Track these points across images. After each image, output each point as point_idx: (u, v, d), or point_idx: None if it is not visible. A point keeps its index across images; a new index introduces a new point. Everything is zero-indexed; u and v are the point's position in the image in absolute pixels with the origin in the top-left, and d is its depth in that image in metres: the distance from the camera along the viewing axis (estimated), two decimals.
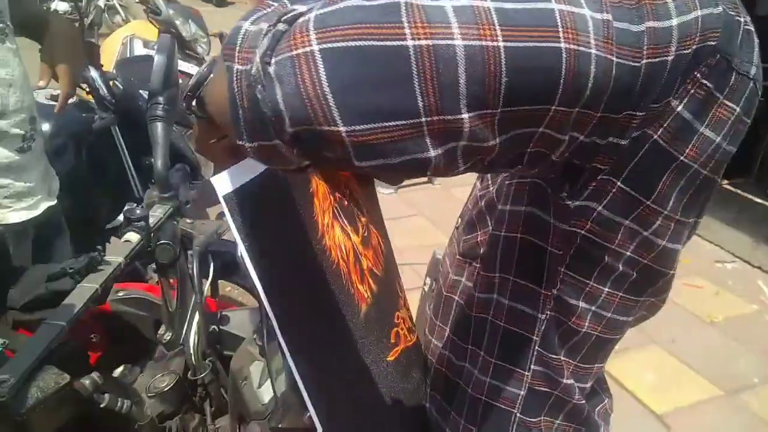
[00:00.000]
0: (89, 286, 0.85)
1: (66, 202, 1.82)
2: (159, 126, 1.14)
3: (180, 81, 3.75)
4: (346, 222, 0.77)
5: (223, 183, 0.52)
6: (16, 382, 0.66)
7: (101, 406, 0.76)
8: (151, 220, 1.02)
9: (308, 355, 0.65)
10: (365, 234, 0.81)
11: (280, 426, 0.79)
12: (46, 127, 2.04)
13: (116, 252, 0.95)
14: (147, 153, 2.16)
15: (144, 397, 0.90)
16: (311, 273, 0.69)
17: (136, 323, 1.13)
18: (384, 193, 4.04)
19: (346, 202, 0.80)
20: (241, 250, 0.53)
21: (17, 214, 1.38)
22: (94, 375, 0.74)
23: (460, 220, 0.83)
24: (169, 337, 1.02)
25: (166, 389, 0.89)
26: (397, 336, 0.84)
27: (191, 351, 1.00)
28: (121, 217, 1.09)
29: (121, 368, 0.99)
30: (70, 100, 2.09)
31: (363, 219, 0.82)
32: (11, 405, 0.64)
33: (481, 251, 0.69)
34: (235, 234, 0.53)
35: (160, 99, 1.14)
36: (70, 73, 1.49)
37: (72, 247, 1.77)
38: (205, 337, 1.01)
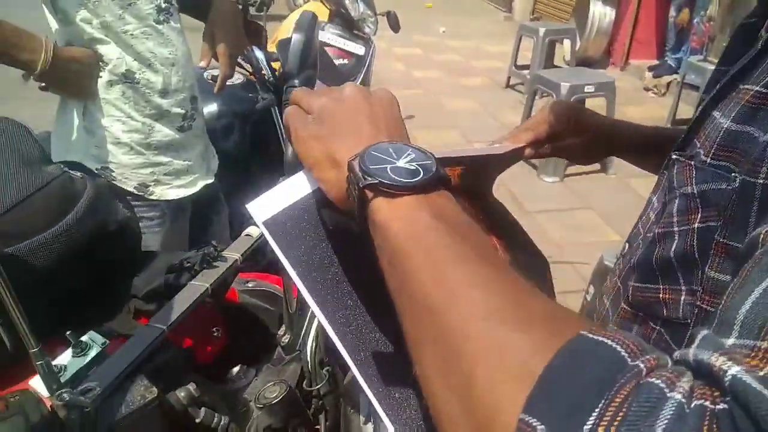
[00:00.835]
0: (199, 284, 0.80)
1: (227, 180, 1.88)
2: None
3: (346, 61, 3.77)
4: None
5: (260, 209, 0.47)
6: (102, 392, 0.61)
7: (196, 421, 0.70)
8: None
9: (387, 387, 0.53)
10: None
11: None
12: (213, 107, 2.13)
13: (236, 246, 0.90)
14: None
15: (252, 406, 0.83)
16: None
17: (263, 318, 1.08)
18: (547, 181, 3.73)
19: None
20: (293, 276, 0.46)
21: (175, 191, 1.42)
22: (191, 387, 0.68)
23: (626, 246, 0.63)
24: (287, 340, 0.95)
25: (274, 402, 0.82)
26: None
27: (308, 358, 0.92)
28: None
29: (237, 368, 0.95)
30: (236, 81, 2.17)
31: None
32: (96, 417, 0.59)
33: (665, 313, 0.50)
34: (282, 260, 0.46)
35: (296, 81, 1.06)
36: (229, 55, 1.49)
37: (230, 223, 1.83)
38: (323, 345, 0.92)
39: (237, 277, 1.10)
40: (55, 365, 0.67)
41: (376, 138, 0.46)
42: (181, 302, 0.77)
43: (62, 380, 0.64)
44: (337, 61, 3.64)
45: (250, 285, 1.10)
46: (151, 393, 0.62)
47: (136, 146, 1.31)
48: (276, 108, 2.17)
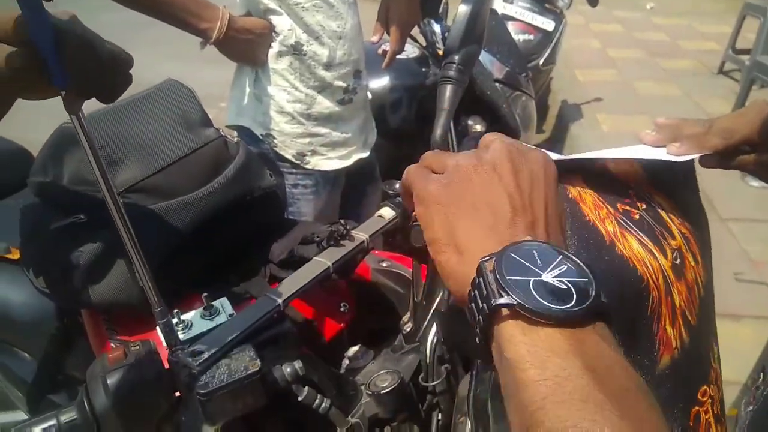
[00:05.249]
0: (322, 261, 0.79)
1: (388, 154, 1.89)
2: (448, 89, 1.00)
3: (531, 36, 3.59)
4: (645, 238, 0.54)
5: None
6: (209, 357, 0.62)
7: (299, 399, 0.69)
8: None
9: None
10: (676, 261, 0.55)
11: None
12: (383, 80, 2.14)
13: (366, 227, 0.87)
14: (468, 113, 2.10)
15: (362, 391, 0.82)
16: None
17: (393, 300, 1.06)
18: (754, 185, 3.21)
19: (636, 214, 0.55)
20: None
21: (330, 163, 1.45)
22: (297, 364, 0.68)
23: None
24: (409, 329, 0.92)
25: (384, 391, 0.79)
26: (697, 420, 0.57)
27: (427, 352, 0.88)
28: None
29: (356, 348, 0.93)
30: (410, 54, 2.15)
31: (673, 241, 0.56)
32: (199, 381, 0.61)
33: None
34: None
35: (455, 58, 0.99)
36: (400, 32, 1.48)
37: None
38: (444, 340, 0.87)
39: (372, 255, 1.09)
40: (183, 320, 0.71)
41: (518, 230, 0.37)
42: (302, 277, 0.76)
43: (184, 338, 0.68)
44: (521, 36, 3.46)
45: (384, 264, 1.08)
46: (254, 365, 0.62)
47: (298, 116, 1.36)
48: None
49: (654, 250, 0.53)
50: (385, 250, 1.08)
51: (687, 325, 0.54)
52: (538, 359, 0.30)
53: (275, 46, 1.31)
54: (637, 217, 0.55)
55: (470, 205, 0.38)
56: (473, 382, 0.73)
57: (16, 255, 1.22)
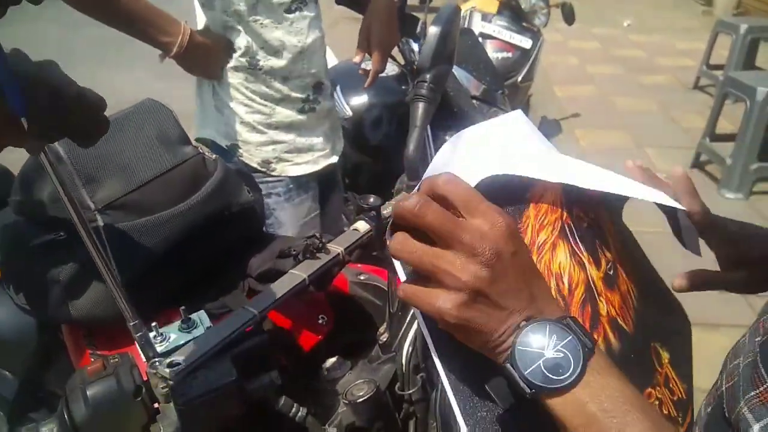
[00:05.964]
0: (298, 274, 0.81)
1: (369, 168, 1.91)
2: (420, 106, 1.04)
3: (509, 54, 3.64)
4: (581, 248, 0.58)
5: None
6: (185, 368, 0.64)
7: (275, 408, 0.71)
8: (388, 211, 0.93)
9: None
10: (610, 272, 0.60)
11: None
12: (363, 98, 2.17)
13: (341, 240, 0.90)
14: (446, 128, 2.14)
15: (339, 401, 0.84)
16: None
17: (370, 312, 1.08)
18: (728, 197, 3.29)
19: (586, 224, 0.59)
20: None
21: (296, 168, 1.48)
22: (273, 375, 0.70)
23: None
24: (385, 339, 0.94)
25: (360, 400, 0.81)
26: None
27: (402, 361, 0.90)
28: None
29: (333, 359, 0.95)
30: (389, 72, 2.19)
31: (608, 254, 0.60)
32: (176, 392, 0.63)
33: None
34: None
35: (427, 76, 1.03)
36: (381, 53, 1.51)
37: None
38: (420, 349, 0.89)
39: (349, 268, 1.11)
40: (162, 332, 0.73)
41: (523, 309, 0.45)
42: (278, 289, 0.79)
43: (162, 350, 0.69)
44: (500, 54, 3.53)
45: (362, 277, 1.11)
46: (231, 375, 0.64)
47: (258, 125, 1.39)
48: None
49: (585, 260, 0.57)
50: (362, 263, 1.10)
51: (618, 331, 0.58)
52: (572, 413, 0.44)
53: (231, 62, 1.34)
54: (586, 225, 0.58)
55: (504, 297, 0.46)
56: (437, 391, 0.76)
57: None
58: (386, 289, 1.09)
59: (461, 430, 0.52)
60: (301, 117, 1.44)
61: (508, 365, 0.44)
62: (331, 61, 2.05)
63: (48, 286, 0.82)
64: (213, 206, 0.91)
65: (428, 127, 1.83)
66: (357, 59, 1.54)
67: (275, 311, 0.91)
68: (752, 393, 0.43)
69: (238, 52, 1.34)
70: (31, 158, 0.90)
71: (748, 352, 0.47)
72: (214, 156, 0.99)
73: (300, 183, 1.48)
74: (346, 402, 0.83)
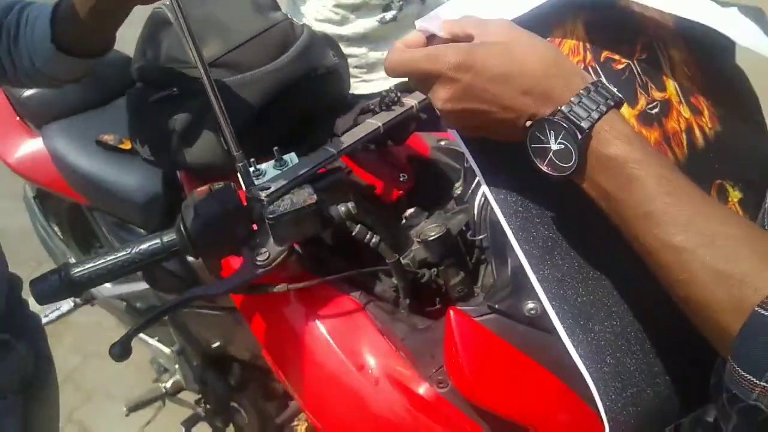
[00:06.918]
0: (373, 122, 0.89)
1: None
2: None
3: None
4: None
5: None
6: (275, 191, 0.75)
7: (353, 234, 0.82)
8: None
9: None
10: (652, 110, 0.60)
11: (497, 306, 0.72)
12: None
13: (417, 94, 0.95)
14: None
15: (413, 240, 0.93)
16: None
17: (449, 174, 1.14)
18: None
19: (621, 64, 0.60)
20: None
21: (366, 85, 1.41)
22: (350, 205, 0.79)
23: None
24: (459, 192, 1.01)
25: (430, 239, 0.89)
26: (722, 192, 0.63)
27: (474, 210, 0.97)
28: None
29: (412, 210, 1.03)
30: None
31: (658, 93, 0.61)
32: (267, 210, 0.74)
33: None
34: None
35: None
36: None
37: None
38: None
39: (431, 135, 1.17)
40: (258, 168, 0.84)
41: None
42: (355, 134, 0.87)
43: (258, 183, 0.81)
44: None
45: (442, 143, 1.16)
46: (311, 199, 0.75)
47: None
48: None
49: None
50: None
51: None
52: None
53: None
54: (620, 67, 0.58)
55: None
56: None
57: (128, 145, 1.41)
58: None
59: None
60: (378, 27, 1.32)
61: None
62: None
63: (166, 136, 0.96)
64: (300, 67, 0.99)
65: None
66: None
67: (360, 168, 1.00)
68: None
69: None
70: (146, 29, 1.02)
71: None
72: (301, 22, 1.06)
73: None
74: (419, 241, 0.92)
